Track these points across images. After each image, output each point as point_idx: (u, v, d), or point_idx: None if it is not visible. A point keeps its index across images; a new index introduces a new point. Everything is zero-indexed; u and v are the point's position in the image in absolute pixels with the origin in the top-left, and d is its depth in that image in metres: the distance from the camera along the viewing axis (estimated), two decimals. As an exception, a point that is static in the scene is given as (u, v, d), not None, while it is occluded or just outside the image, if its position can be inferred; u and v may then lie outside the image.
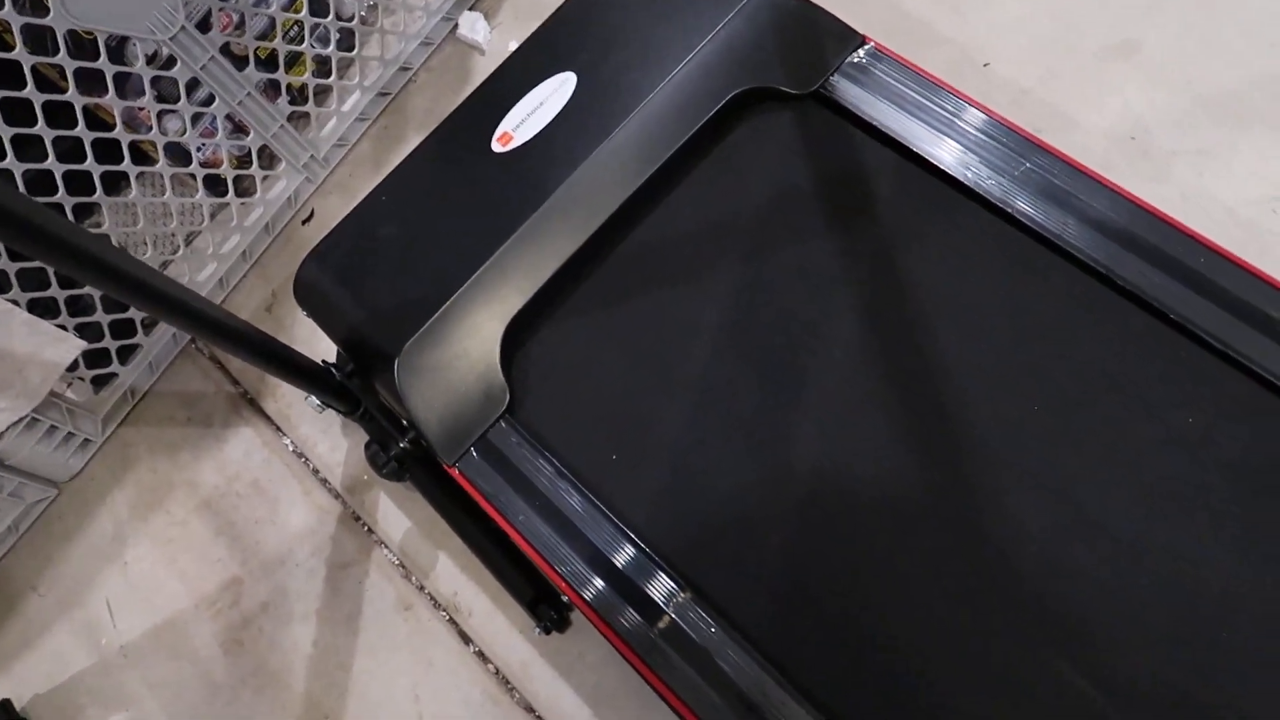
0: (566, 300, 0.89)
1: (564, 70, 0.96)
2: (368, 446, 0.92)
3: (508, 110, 0.95)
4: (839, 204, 0.87)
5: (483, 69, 1.26)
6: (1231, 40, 0.99)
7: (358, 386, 0.94)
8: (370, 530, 1.04)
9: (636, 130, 0.91)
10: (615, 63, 0.95)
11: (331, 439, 1.09)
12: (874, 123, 0.88)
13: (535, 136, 0.93)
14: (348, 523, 1.05)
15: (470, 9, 1.29)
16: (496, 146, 0.94)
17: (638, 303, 0.88)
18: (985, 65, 1.05)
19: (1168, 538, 0.71)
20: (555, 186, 0.90)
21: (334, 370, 0.94)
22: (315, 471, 1.09)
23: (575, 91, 0.94)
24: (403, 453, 0.91)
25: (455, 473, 0.84)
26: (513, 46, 1.25)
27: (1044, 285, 0.80)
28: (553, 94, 0.95)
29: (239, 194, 1.19)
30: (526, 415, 0.86)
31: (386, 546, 1.02)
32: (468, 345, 0.87)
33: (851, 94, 0.90)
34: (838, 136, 0.89)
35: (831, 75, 0.91)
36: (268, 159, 1.21)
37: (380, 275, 0.92)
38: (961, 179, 0.84)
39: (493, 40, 1.27)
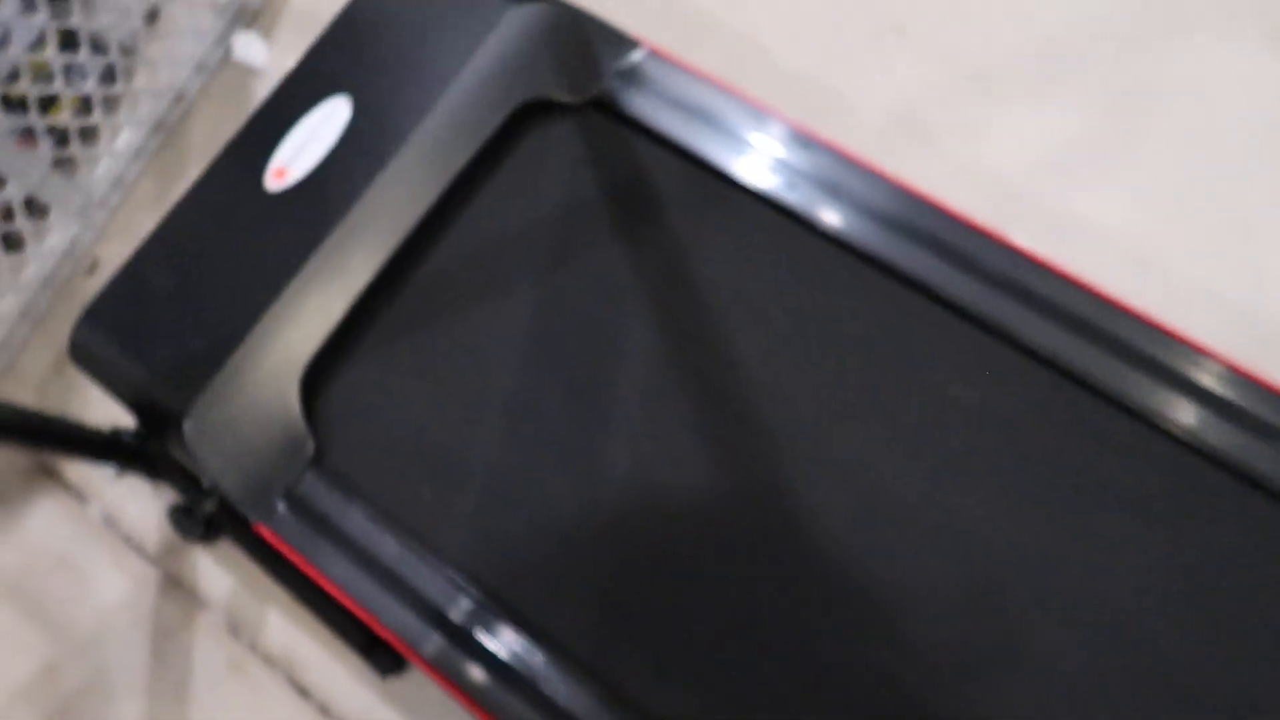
0: (364, 337, 0.86)
1: (336, 94, 0.92)
2: (171, 513, 0.88)
3: (279, 142, 0.91)
4: (626, 212, 0.88)
5: (262, 92, 1.20)
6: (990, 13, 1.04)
7: (152, 447, 0.90)
8: (192, 594, 0.99)
9: (417, 153, 0.88)
10: (389, 83, 0.92)
11: (140, 501, 1.03)
12: (652, 127, 0.88)
13: (312, 168, 0.89)
14: (167, 588, 0.99)
15: (246, 28, 1.23)
16: (272, 182, 0.89)
17: (437, 331, 0.86)
18: (764, 52, 1.07)
19: (957, 508, 0.74)
20: (338, 219, 0.86)
21: (122, 436, 0.89)
22: (127, 538, 1.03)
23: (351, 117, 0.91)
24: (209, 515, 0.87)
25: (264, 530, 0.81)
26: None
27: (824, 277, 0.82)
28: (326, 121, 0.91)
29: (8, 249, 1.10)
30: (334, 461, 0.83)
31: (210, 609, 0.98)
32: (263, 394, 0.83)
33: (627, 99, 0.90)
34: (618, 144, 0.89)
35: (606, 82, 0.90)
36: (36, 208, 1.12)
37: (162, 329, 0.87)
38: (737, 178, 0.86)
39: (273, 58, 1.21)
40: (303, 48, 1.19)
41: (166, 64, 1.18)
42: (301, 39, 1.20)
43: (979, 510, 0.74)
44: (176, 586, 0.99)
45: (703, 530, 0.78)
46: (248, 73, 1.22)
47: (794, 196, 0.85)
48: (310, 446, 0.82)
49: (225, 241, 0.89)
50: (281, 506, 0.81)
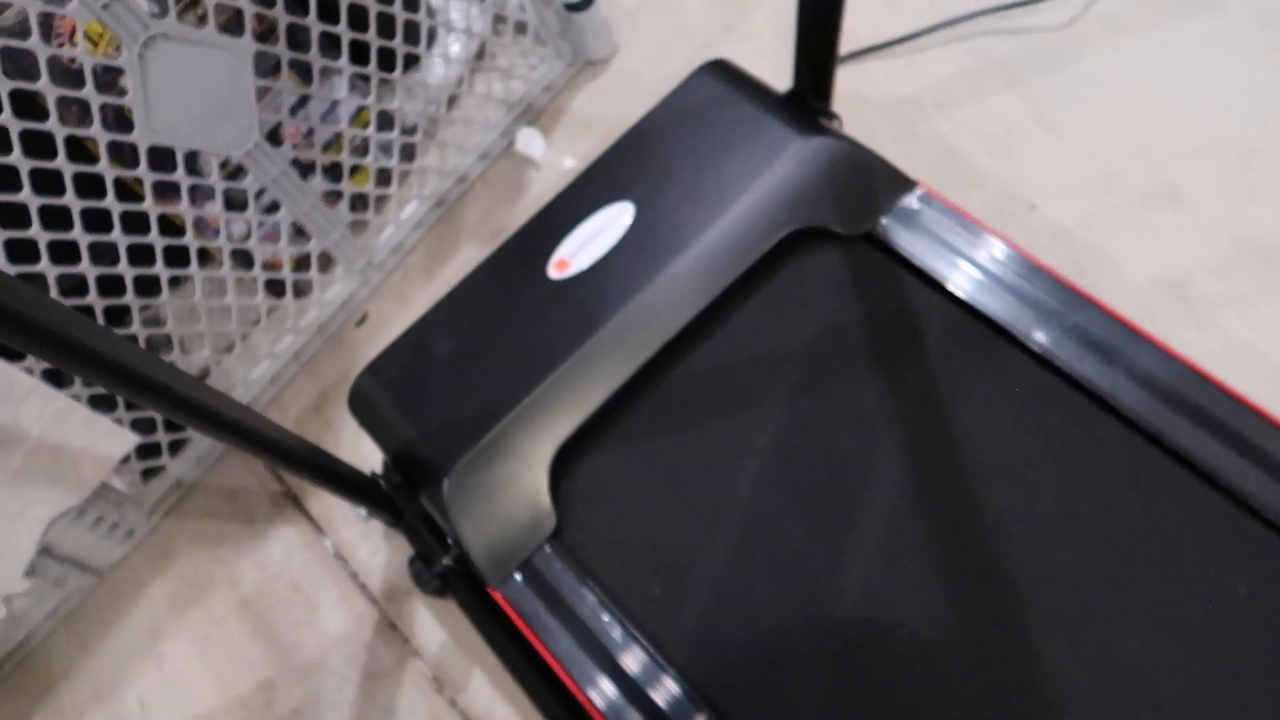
0: (615, 429, 0.91)
1: (622, 200, 0.99)
2: (412, 562, 0.93)
3: (565, 236, 0.98)
4: (887, 346, 0.89)
5: (536, 183, 1.30)
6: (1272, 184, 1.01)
7: (403, 498, 0.96)
8: (406, 640, 1.04)
9: (691, 264, 0.93)
10: (673, 196, 0.98)
11: (372, 543, 1.10)
12: (922, 266, 0.90)
13: (592, 265, 0.96)
14: (384, 631, 1.05)
15: (528, 125, 1.34)
16: (553, 272, 0.97)
17: (685, 435, 0.90)
18: (1033, 207, 1.07)
19: (1214, 705, 0.70)
20: (609, 315, 0.92)
21: (381, 482, 0.96)
22: (354, 575, 1.10)
23: (633, 222, 0.97)
24: (446, 570, 0.92)
25: (498, 595, 0.85)
26: (567, 164, 1.29)
27: (1086, 440, 0.81)
28: (611, 223, 0.98)
29: (296, 295, 1.23)
30: (572, 541, 0.87)
31: (421, 658, 1.03)
32: (517, 468, 0.88)
33: (901, 237, 0.92)
34: (887, 279, 0.92)
35: (882, 218, 0.93)
36: (325, 262, 1.24)
37: (434, 393, 0.95)
38: (1005, 326, 0.86)
39: (548, 156, 1.31)
40: (576, 149, 1.30)
41: (455, 148, 1.30)
42: (575, 142, 1.31)
43: (1237, 713, 0.70)
44: (392, 631, 1.05)
45: (931, 681, 0.76)
46: (525, 163, 1.32)
47: (1060, 351, 0.84)
48: (552, 523, 0.86)
49: (504, 320, 0.96)
50: (519, 575, 0.85)
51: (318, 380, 1.24)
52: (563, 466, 0.89)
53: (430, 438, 0.93)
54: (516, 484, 0.88)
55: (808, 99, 1.00)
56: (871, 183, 0.96)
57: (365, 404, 0.98)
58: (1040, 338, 0.85)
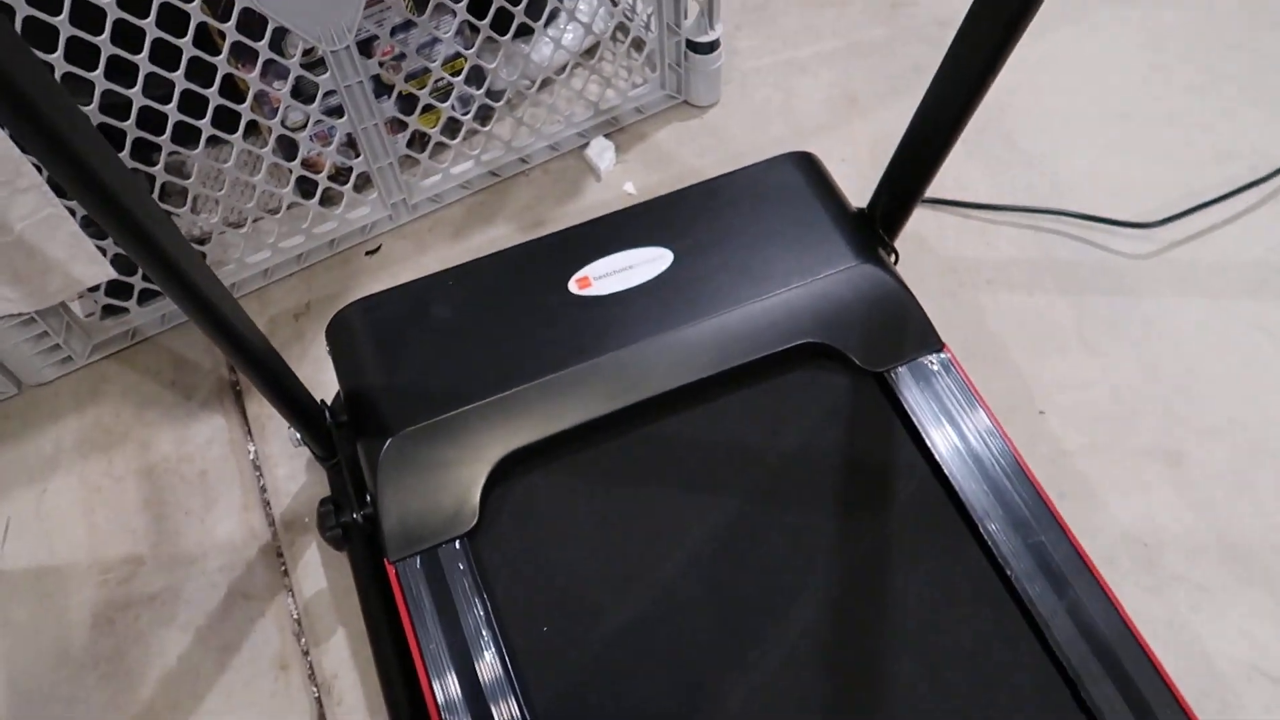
0: (568, 458, 0.89)
1: (665, 246, 0.98)
2: (322, 503, 0.91)
3: (599, 257, 0.97)
4: (854, 486, 0.88)
5: (591, 193, 1.29)
6: (1269, 491, 1.01)
7: (341, 439, 0.94)
8: (286, 574, 1.01)
9: (703, 332, 0.92)
10: (715, 261, 0.97)
11: (294, 467, 1.08)
12: (918, 425, 0.89)
13: (611, 294, 0.95)
14: (269, 556, 1.02)
15: (606, 136, 1.33)
16: (574, 285, 0.95)
17: (631, 492, 0.88)
18: (1041, 413, 1.07)
19: None
20: (607, 349, 0.91)
21: (326, 414, 0.94)
22: (263, 489, 1.07)
23: (666, 270, 0.96)
24: (352, 524, 0.89)
25: (391, 570, 0.83)
26: (628, 187, 1.29)
27: (1002, 647, 0.79)
28: (645, 262, 0.97)
29: (323, 202, 1.21)
30: (482, 547, 0.85)
31: (293, 597, 1.00)
32: (461, 456, 0.87)
33: (910, 390, 0.92)
34: (879, 424, 0.91)
35: (900, 366, 0.93)
36: (363, 183, 1.23)
37: (413, 352, 0.93)
38: (972, 514, 0.85)
39: (612, 173, 1.31)
40: (640, 178, 1.30)
41: (530, 129, 1.29)
42: (644, 170, 1.31)
43: None
44: (277, 559, 1.02)
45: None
46: (588, 171, 1.31)
47: (1015, 562, 0.83)
48: (471, 523, 0.84)
49: (508, 311, 0.94)
50: (419, 559, 0.83)
51: (310, 289, 1.22)
52: (504, 473, 0.87)
53: (391, 393, 0.91)
54: (453, 471, 0.86)
55: (876, 225, 1.00)
56: (903, 327, 0.95)
57: (343, 333, 0.96)
58: (1001, 540, 0.84)
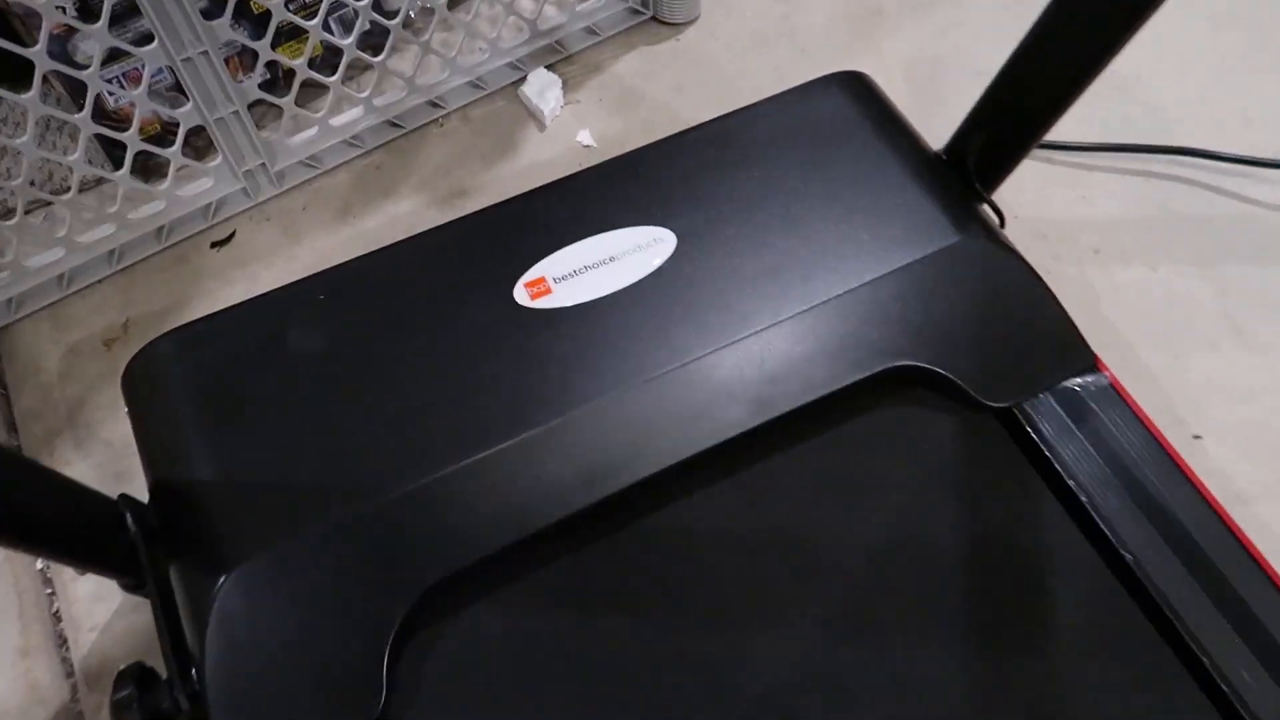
0: (519, 592, 0.54)
1: (659, 225, 0.63)
2: (120, 678, 0.54)
3: (559, 246, 0.62)
4: (990, 599, 0.55)
5: (533, 148, 0.93)
6: None
7: (153, 557, 0.57)
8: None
9: (729, 364, 0.58)
10: (739, 245, 0.62)
11: (104, 584, 0.71)
12: (1075, 487, 0.57)
13: (582, 304, 0.60)
14: (64, 729, 0.66)
15: (548, 68, 0.97)
16: (521, 294, 0.60)
17: (623, 647, 0.54)
18: (1196, 437, 0.75)
19: None
20: (579, 399, 0.56)
21: (127, 515, 0.57)
22: (57, 618, 0.70)
23: (666, 262, 0.61)
24: (168, 713, 0.53)
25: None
26: (582, 137, 0.93)
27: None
28: (632, 252, 0.62)
29: (140, 173, 0.83)
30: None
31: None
32: (349, 596, 0.51)
33: (1053, 431, 0.59)
34: (1016, 487, 0.58)
35: (1040, 394, 0.60)
36: (201, 145, 0.85)
37: (264, 417, 0.57)
38: (1183, 629, 0.53)
39: (560, 119, 0.95)
40: (602, 125, 0.94)
41: (442, 59, 0.92)
42: (605, 114, 0.95)
43: None
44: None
45: None
46: (527, 116, 0.95)
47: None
48: (375, 711, 0.50)
49: (418, 343, 0.59)
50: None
51: (129, 301, 0.84)
52: (421, 620, 0.52)
53: (228, 490, 0.54)
54: (337, 624, 0.51)
55: (973, 179, 0.66)
56: (1036, 335, 0.62)
57: (149, 386, 0.59)
58: (1227, 665, 0.53)
